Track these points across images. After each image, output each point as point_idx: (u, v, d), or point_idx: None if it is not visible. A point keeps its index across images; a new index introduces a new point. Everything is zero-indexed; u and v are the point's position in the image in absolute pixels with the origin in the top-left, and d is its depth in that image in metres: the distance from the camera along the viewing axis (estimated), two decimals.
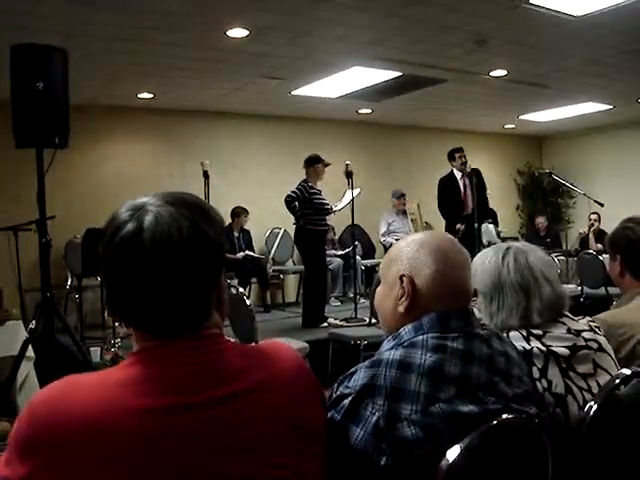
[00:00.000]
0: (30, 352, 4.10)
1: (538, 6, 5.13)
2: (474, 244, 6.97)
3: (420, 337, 1.38)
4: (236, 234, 8.43)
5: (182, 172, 8.32)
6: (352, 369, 1.36)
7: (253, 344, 3.89)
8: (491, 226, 8.24)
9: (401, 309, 1.46)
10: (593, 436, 1.55)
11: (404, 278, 1.46)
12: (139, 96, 7.89)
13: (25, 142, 3.81)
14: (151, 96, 7.94)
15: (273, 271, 8.88)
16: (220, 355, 1.14)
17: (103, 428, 0.99)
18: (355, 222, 7.28)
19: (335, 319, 6.80)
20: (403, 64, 6.84)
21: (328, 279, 7.96)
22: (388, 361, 1.33)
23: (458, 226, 7.50)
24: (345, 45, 6.13)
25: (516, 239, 10.04)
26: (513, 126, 11.33)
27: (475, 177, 7.55)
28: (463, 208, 7.73)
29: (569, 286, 7.72)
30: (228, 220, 8.30)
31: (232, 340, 1.27)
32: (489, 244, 7.40)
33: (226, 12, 5.13)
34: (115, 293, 1.13)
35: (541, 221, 10.63)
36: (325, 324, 6.65)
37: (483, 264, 1.84)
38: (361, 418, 1.27)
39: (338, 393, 1.34)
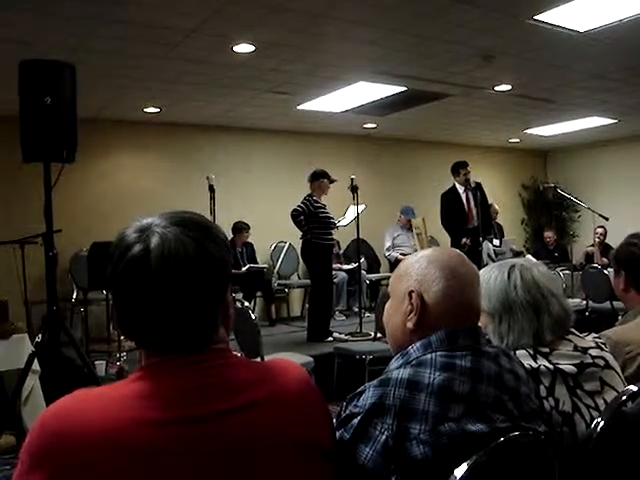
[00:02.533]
0: (36, 365, 4.10)
1: (543, 22, 5.16)
2: (480, 258, 6.96)
3: (429, 356, 1.38)
4: (239, 249, 8.45)
5: (188, 186, 8.33)
6: (361, 388, 1.36)
7: (258, 359, 3.90)
8: (487, 244, 8.26)
9: (410, 325, 1.46)
10: (600, 453, 1.54)
11: (413, 294, 1.46)
12: (145, 110, 7.93)
13: (33, 156, 3.83)
14: (157, 110, 7.97)
15: (278, 285, 8.89)
16: (226, 369, 1.16)
17: (112, 440, 1.01)
18: (360, 236, 7.29)
19: (340, 333, 6.80)
20: (408, 79, 6.87)
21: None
22: (397, 380, 1.32)
23: (464, 240, 7.47)
24: (351, 60, 6.16)
25: (521, 253, 10.03)
26: (518, 140, 11.34)
27: (479, 191, 7.56)
28: (467, 222, 7.72)
29: (574, 300, 7.70)
30: (231, 235, 8.31)
31: (238, 355, 1.28)
32: (493, 261, 7.41)
33: (232, 28, 5.17)
34: (124, 313, 1.16)
35: (550, 235, 10.53)
36: (330, 338, 6.65)
37: (488, 283, 1.81)
38: (370, 438, 1.27)
39: (347, 412, 1.34)
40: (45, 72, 3.76)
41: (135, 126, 8.49)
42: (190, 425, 1.06)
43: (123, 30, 5.06)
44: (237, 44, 5.54)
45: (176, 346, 1.14)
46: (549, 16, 5.05)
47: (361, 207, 7.06)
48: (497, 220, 9.84)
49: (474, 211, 7.63)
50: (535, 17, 5.06)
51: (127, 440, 1.01)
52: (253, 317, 4.32)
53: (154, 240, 1.12)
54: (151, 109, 7.91)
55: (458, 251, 1.58)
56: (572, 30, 5.38)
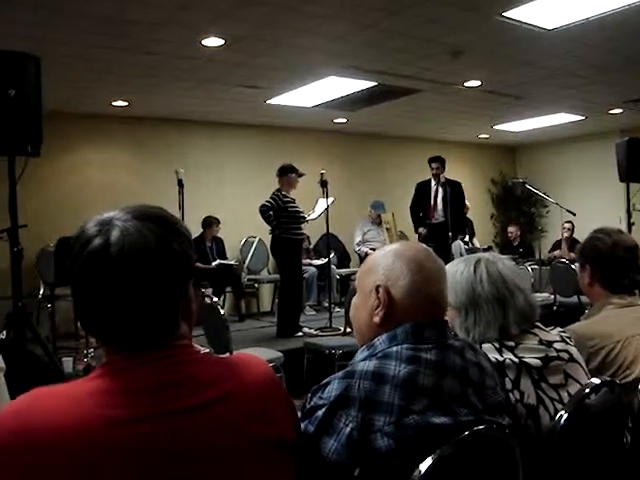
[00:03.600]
0: (0, 362, 4.04)
1: (511, 19, 5.20)
2: (449, 255, 7.01)
3: (394, 348, 1.38)
4: (208, 244, 8.38)
5: (156, 180, 8.25)
6: (326, 380, 1.36)
7: (227, 354, 3.87)
8: (458, 243, 8.36)
9: (376, 319, 1.46)
10: (563, 445, 1.56)
11: (380, 288, 1.46)
12: (113, 104, 7.84)
13: None
14: (126, 104, 7.88)
15: (248, 280, 8.86)
16: (188, 366, 1.15)
17: (71, 438, 0.99)
18: (330, 231, 7.28)
19: (310, 328, 6.80)
20: (378, 74, 6.88)
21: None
22: (362, 372, 1.33)
23: (420, 230, 7.53)
24: (321, 55, 6.15)
25: (490, 248, 10.11)
26: (487, 136, 11.43)
27: (452, 189, 7.61)
28: (428, 215, 7.78)
29: (542, 294, 7.80)
30: (200, 230, 8.26)
31: (202, 351, 1.27)
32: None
33: (202, 21, 5.12)
34: (84, 308, 1.14)
35: (513, 230, 10.52)
36: (300, 333, 6.64)
37: (454, 277, 1.81)
38: (335, 429, 1.27)
39: (312, 404, 1.33)
40: (9, 64, 3.70)
41: (103, 120, 8.36)
42: (151, 422, 1.04)
43: (89, 22, 4.98)
44: (206, 38, 5.50)
45: (137, 342, 1.12)
46: (517, 13, 5.09)
47: (330, 200, 7.05)
48: (467, 215, 9.91)
49: (439, 206, 7.69)
50: (503, 14, 5.09)
51: (86, 438, 1.00)
52: (222, 312, 4.31)
53: (114, 233, 1.10)
54: (119, 102, 7.81)
55: (425, 246, 1.58)
56: (540, 27, 5.43)
